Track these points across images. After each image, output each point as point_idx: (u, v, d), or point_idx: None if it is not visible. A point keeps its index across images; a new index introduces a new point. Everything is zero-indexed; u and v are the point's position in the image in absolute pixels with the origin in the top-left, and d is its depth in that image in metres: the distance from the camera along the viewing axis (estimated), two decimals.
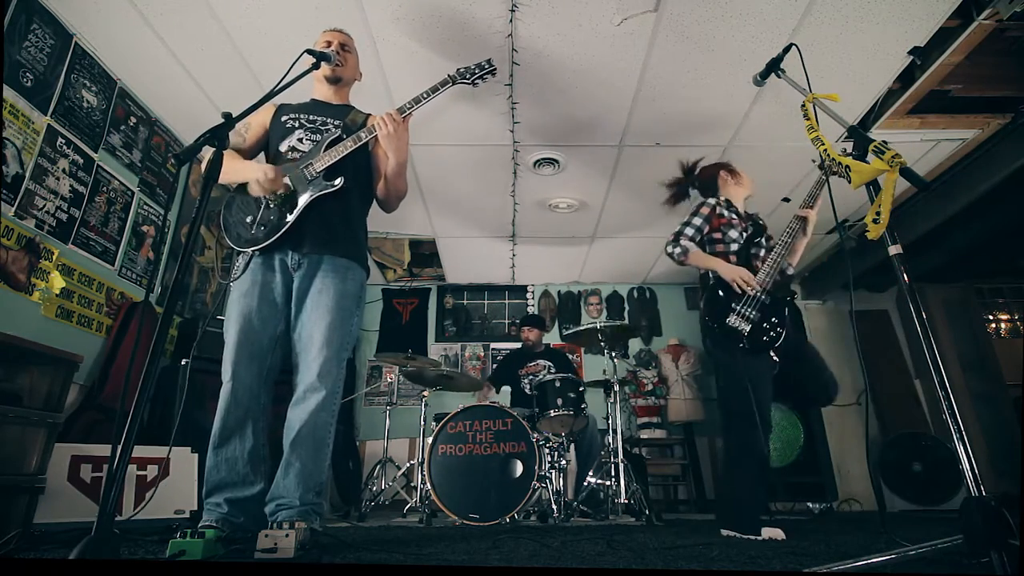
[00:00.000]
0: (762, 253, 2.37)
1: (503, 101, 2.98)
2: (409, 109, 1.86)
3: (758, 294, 2.21)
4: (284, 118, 1.91)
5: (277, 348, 1.76)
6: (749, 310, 2.21)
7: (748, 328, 2.18)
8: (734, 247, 2.37)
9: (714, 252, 2.38)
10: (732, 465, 2.25)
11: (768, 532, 2.01)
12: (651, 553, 1.62)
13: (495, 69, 2.00)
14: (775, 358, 2.24)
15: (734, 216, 2.43)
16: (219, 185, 1.49)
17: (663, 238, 4.72)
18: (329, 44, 1.94)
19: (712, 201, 2.46)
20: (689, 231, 2.40)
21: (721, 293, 2.27)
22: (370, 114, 1.96)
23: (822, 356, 2.41)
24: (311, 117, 1.91)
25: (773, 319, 2.21)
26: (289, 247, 1.76)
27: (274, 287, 1.75)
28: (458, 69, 1.98)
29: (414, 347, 3.48)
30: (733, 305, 2.23)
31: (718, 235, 2.41)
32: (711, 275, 2.34)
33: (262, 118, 1.95)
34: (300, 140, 1.86)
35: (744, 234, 2.39)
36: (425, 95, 1.88)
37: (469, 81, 1.98)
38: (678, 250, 2.36)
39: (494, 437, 2.91)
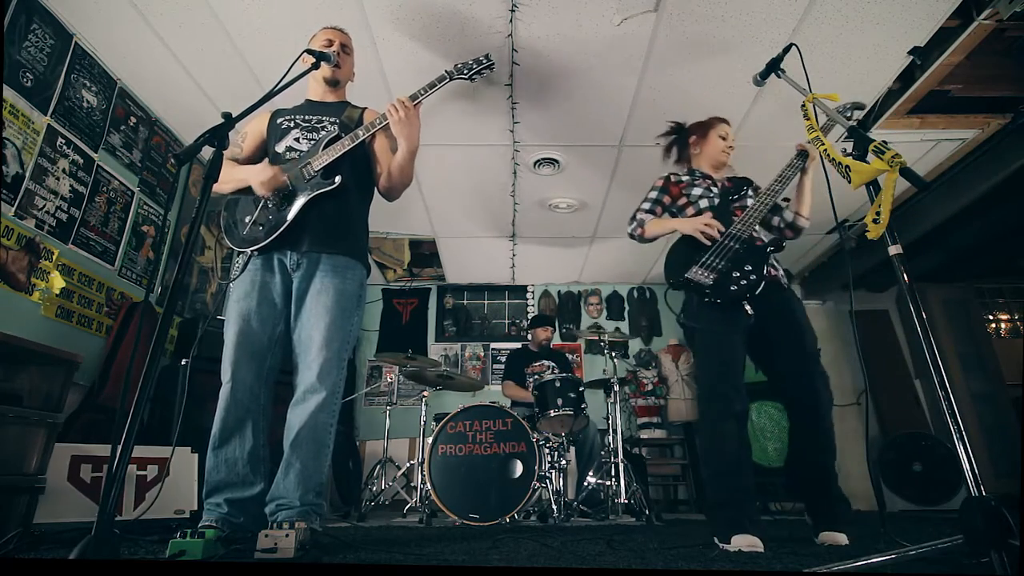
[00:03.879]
0: (749, 203, 2.13)
1: (503, 101, 2.98)
2: (421, 97, 1.85)
3: (728, 242, 1.97)
4: (279, 120, 1.91)
5: (276, 348, 1.75)
6: (715, 260, 1.95)
7: (712, 278, 1.92)
8: (704, 203, 2.13)
9: (685, 216, 2.17)
10: (702, 456, 1.96)
11: (740, 541, 1.65)
12: (651, 553, 1.62)
13: (493, 64, 1.99)
14: (749, 310, 1.93)
15: (697, 178, 2.22)
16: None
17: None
18: (330, 43, 1.94)
19: (665, 173, 2.30)
20: (646, 205, 2.21)
21: (683, 248, 2.06)
22: (366, 108, 1.96)
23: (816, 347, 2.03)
24: (307, 117, 1.90)
25: (747, 267, 1.93)
26: (288, 247, 1.76)
27: (273, 287, 1.75)
28: (455, 65, 1.97)
29: (414, 347, 3.48)
30: (696, 258, 1.98)
31: (683, 200, 2.19)
32: (675, 238, 2.15)
33: (258, 126, 1.94)
34: (297, 140, 1.86)
35: (714, 188, 2.16)
36: (423, 91, 1.87)
37: (467, 76, 1.97)
38: (633, 224, 2.19)
39: (494, 437, 2.91)
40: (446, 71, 1.95)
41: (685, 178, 2.23)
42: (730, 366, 1.89)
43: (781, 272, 2.08)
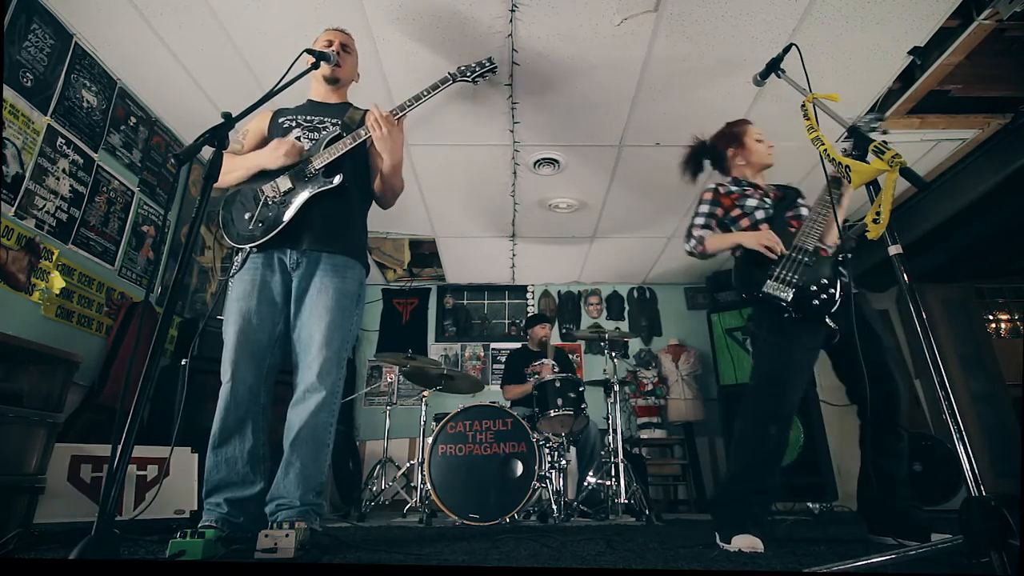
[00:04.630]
0: (803, 212, 2.10)
1: (503, 101, 2.98)
2: (406, 109, 1.86)
3: (796, 255, 1.92)
4: (281, 120, 1.92)
5: (276, 348, 1.75)
6: (788, 274, 1.90)
7: (791, 292, 1.87)
8: (760, 215, 2.08)
9: (740, 229, 2.11)
10: (732, 454, 1.95)
11: (740, 541, 1.67)
12: (651, 553, 1.62)
13: (496, 67, 2.00)
14: (832, 325, 1.89)
15: (747, 188, 2.17)
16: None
17: (663, 238, 4.76)
18: (330, 44, 1.94)
19: (712, 185, 2.22)
20: (700, 220, 2.15)
21: (751, 263, 2.00)
22: (368, 110, 1.96)
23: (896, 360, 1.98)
24: (308, 116, 1.91)
25: (823, 280, 1.89)
26: (288, 245, 1.76)
27: (273, 286, 1.75)
28: (458, 67, 1.98)
29: (414, 347, 3.48)
30: (767, 272, 1.93)
31: (736, 211, 2.13)
32: (739, 251, 2.07)
33: (259, 125, 1.95)
34: (298, 139, 1.86)
35: (767, 199, 2.13)
36: (425, 93, 1.88)
37: (470, 79, 1.98)
38: (692, 242, 2.12)
39: (494, 437, 2.91)
40: (449, 73, 1.96)
41: (735, 189, 2.17)
42: (793, 382, 1.86)
43: (847, 278, 2.00)
